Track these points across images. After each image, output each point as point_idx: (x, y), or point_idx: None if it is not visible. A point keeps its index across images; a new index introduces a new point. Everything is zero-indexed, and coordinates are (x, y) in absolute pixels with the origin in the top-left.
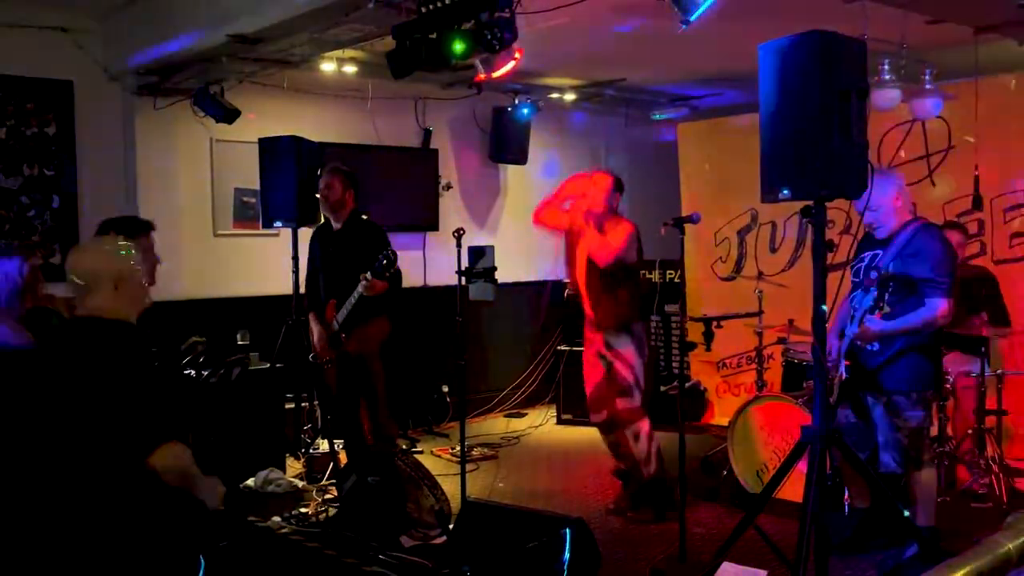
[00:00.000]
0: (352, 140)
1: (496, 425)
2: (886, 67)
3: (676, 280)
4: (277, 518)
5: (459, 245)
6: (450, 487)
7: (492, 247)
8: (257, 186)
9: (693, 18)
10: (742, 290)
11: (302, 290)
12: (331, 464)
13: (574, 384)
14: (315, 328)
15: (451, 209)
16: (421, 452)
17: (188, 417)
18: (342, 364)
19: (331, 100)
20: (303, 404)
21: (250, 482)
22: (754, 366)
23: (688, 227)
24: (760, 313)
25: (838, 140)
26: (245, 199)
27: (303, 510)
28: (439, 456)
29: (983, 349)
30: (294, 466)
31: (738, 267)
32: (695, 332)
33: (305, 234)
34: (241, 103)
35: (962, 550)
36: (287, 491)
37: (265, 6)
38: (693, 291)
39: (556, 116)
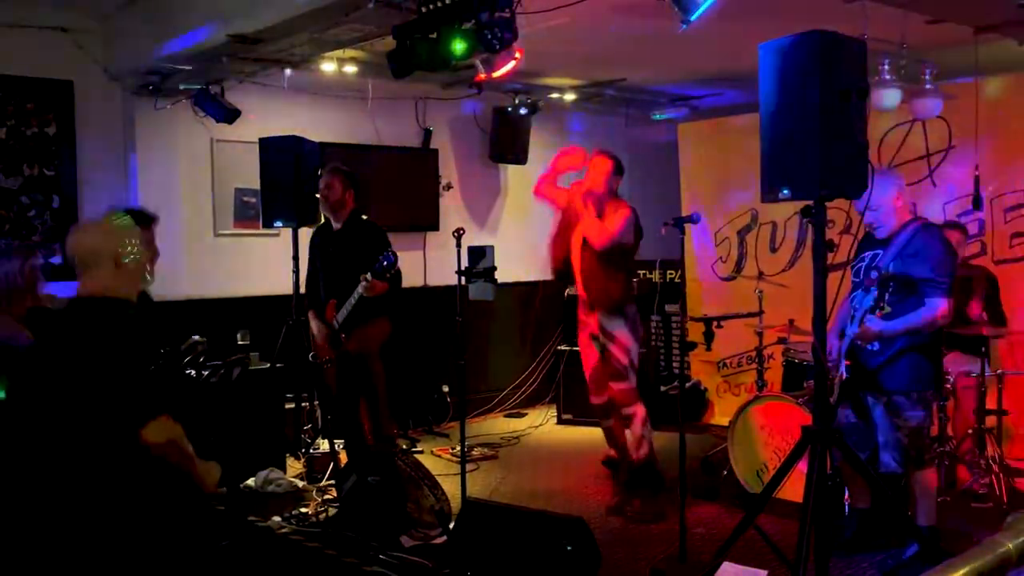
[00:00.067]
0: (352, 140)
1: (496, 425)
2: (886, 67)
3: (676, 280)
4: (277, 518)
5: (459, 245)
6: (450, 487)
7: (492, 247)
8: (257, 186)
9: (693, 18)
10: (742, 290)
11: (302, 290)
12: (331, 464)
13: (574, 384)
14: (315, 325)
15: (451, 209)
16: (421, 452)
17: (188, 417)
18: (342, 364)
19: (331, 100)
20: (303, 404)
21: (250, 482)
22: (754, 366)
23: (689, 227)
24: (760, 313)
25: (838, 140)
26: (245, 199)
27: (303, 510)
28: (439, 456)
29: (983, 349)
30: (294, 466)
31: (738, 267)
32: (695, 332)
33: (305, 234)
34: (241, 103)
35: (962, 550)
36: (287, 491)
37: (265, 6)
38: (693, 291)
39: (556, 116)
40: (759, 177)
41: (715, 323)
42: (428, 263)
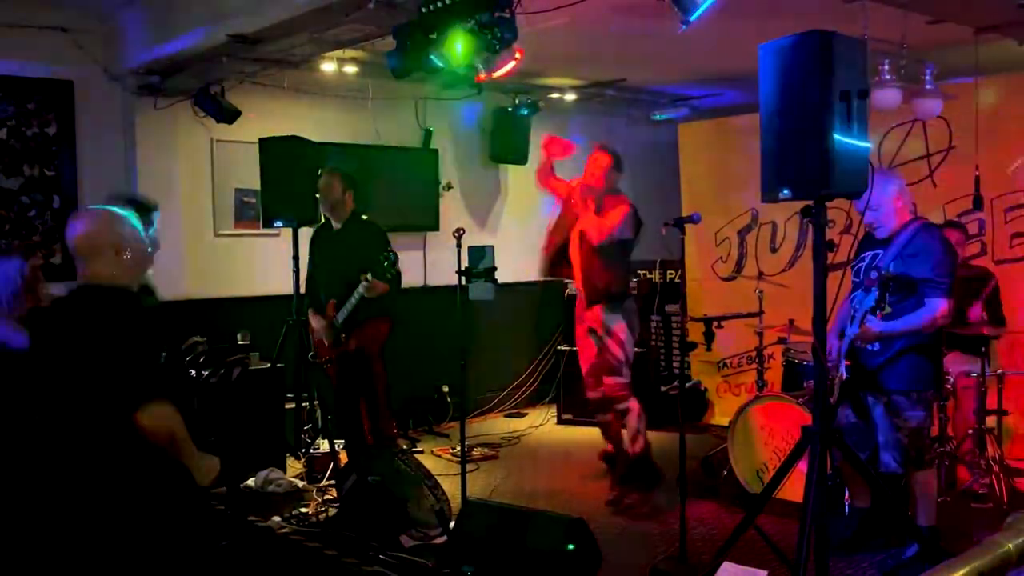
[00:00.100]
0: (352, 140)
1: (496, 425)
2: (886, 67)
3: (676, 280)
4: (277, 518)
5: (459, 245)
6: (450, 487)
7: (492, 247)
8: (257, 186)
9: (693, 18)
10: (743, 290)
11: (302, 290)
12: (331, 464)
13: (575, 384)
14: (315, 322)
15: (451, 209)
16: (421, 452)
17: (188, 417)
18: (342, 364)
19: (331, 100)
20: (303, 404)
21: (250, 482)
22: (754, 366)
23: (689, 227)
24: (760, 313)
25: (838, 140)
26: (245, 199)
27: (303, 510)
28: (439, 456)
29: (983, 349)
30: (294, 466)
31: (739, 267)
32: (696, 332)
33: (305, 234)
34: (241, 103)
35: (962, 550)
36: (287, 491)
37: (265, 6)
38: (693, 291)
39: (556, 116)
40: (759, 177)
41: (715, 323)
42: (428, 263)
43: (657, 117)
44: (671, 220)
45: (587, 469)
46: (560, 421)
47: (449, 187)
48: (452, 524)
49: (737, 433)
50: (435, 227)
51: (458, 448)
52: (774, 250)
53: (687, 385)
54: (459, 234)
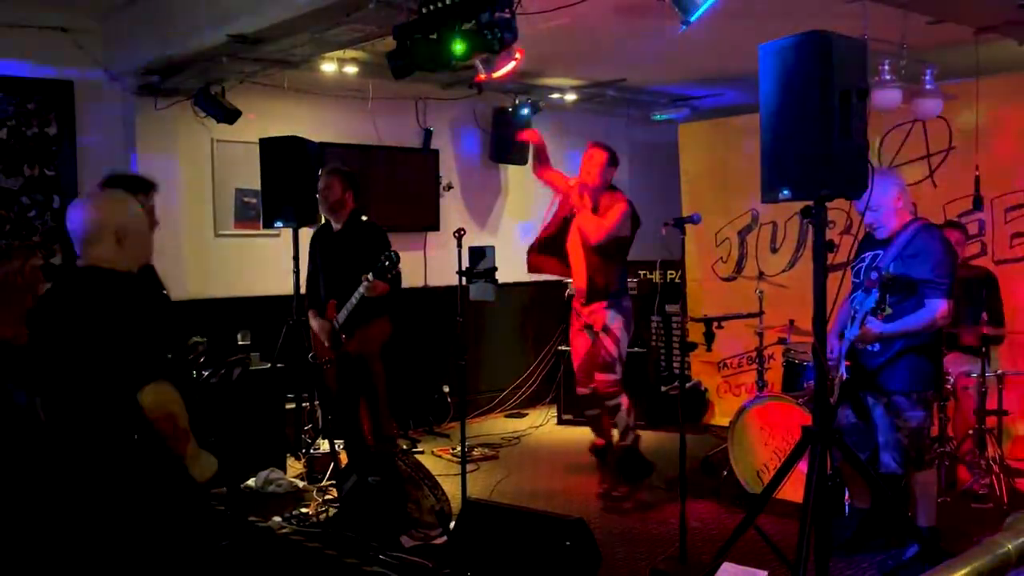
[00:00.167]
0: (353, 140)
1: (497, 425)
2: (886, 67)
3: (677, 280)
4: (278, 518)
5: (460, 245)
6: (451, 487)
7: (493, 247)
8: (258, 186)
9: (693, 19)
10: (743, 290)
11: (303, 290)
12: (332, 464)
13: (575, 384)
14: (316, 324)
15: (452, 209)
16: (422, 452)
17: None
18: (342, 364)
19: (332, 100)
20: (304, 404)
21: (251, 482)
22: (755, 366)
23: (689, 227)
24: (761, 313)
25: (838, 140)
26: (246, 199)
27: (304, 510)
28: (440, 456)
29: (983, 349)
30: (295, 466)
31: (739, 267)
32: (696, 332)
33: (306, 234)
34: (242, 103)
35: (963, 551)
36: (288, 491)
37: (266, 6)
38: (694, 291)
39: (556, 116)
40: (759, 177)
41: (715, 323)
42: (428, 263)
43: (657, 117)
44: (671, 220)
45: (587, 470)
46: (560, 421)
47: (449, 187)
48: (452, 524)
49: (737, 433)
50: (435, 227)
51: (458, 448)
52: (774, 250)
53: (687, 385)
54: (460, 234)
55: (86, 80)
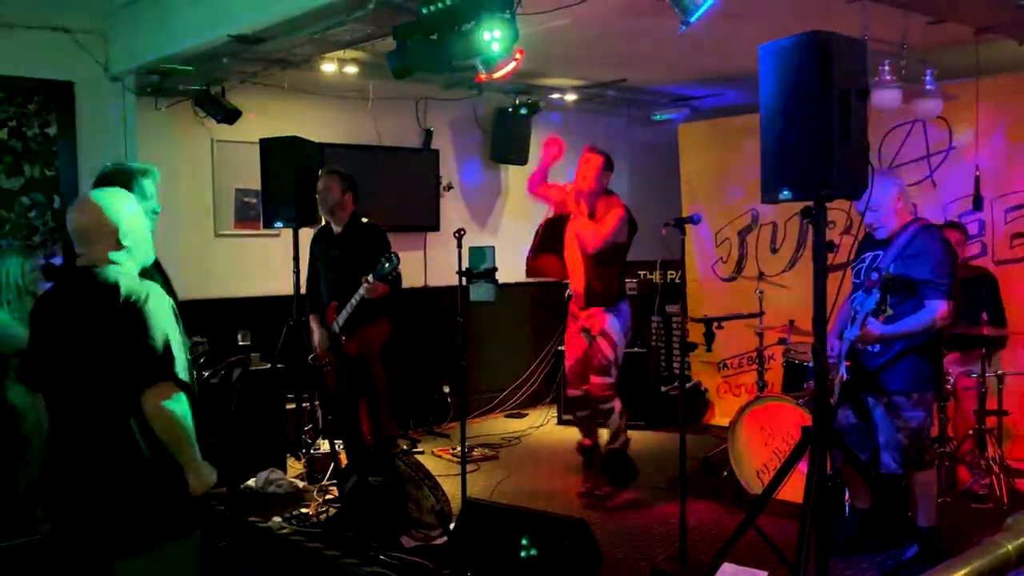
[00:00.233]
0: (353, 140)
1: (497, 425)
2: (887, 67)
3: (677, 281)
4: (278, 518)
5: (460, 246)
6: (451, 487)
7: (493, 247)
8: (258, 186)
9: (693, 19)
10: (743, 291)
11: (303, 291)
12: (332, 464)
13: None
14: (316, 332)
15: (452, 209)
16: (422, 452)
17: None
18: (342, 365)
19: (332, 100)
20: (304, 404)
21: (251, 482)
22: (755, 367)
23: (689, 227)
24: (761, 314)
25: (838, 141)
26: (246, 199)
27: (304, 510)
28: (440, 456)
29: (984, 350)
30: (295, 466)
31: (739, 268)
32: (696, 333)
33: (306, 235)
34: (242, 103)
35: (963, 551)
36: (288, 491)
37: (266, 6)
38: (694, 291)
39: (557, 117)
40: (759, 178)
41: (715, 324)
42: (429, 264)
43: (657, 117)
44: (671, 221)
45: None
46: (560, 422)
47: (449, 187)
48: (452, 525)
49: (737, 434)
50: (435, 227)
51: (458, 448)
52: (774, 251)
53: (687, 386)
54: (460, 235)
55: (86, 80)
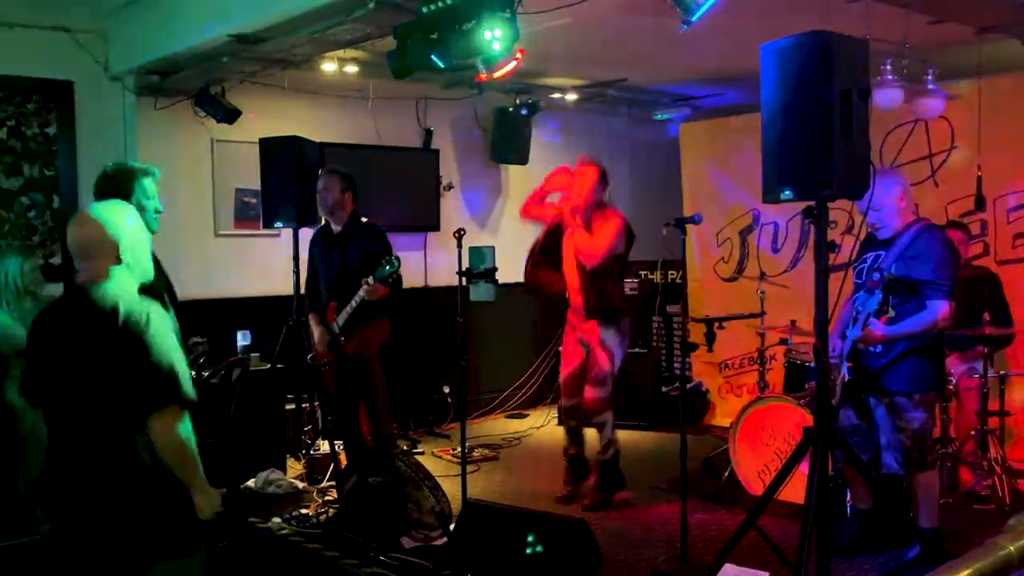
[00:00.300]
0: (353, 140)
1: (497, 426)
2: (888, 67)
3: (678, 281)
4: (277, 519)
5: (460, 246)
6: (451, 488)
7: (493, 248)
8: (258, 186)
9: (694, 19)
10: (744, 291)
11: (303, 291)
12: (331, 465)
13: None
14: (316, 330)
15: (452, 209)
16: (422, 453)
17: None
18: (341, 366)
19: (332, 100)
20: (303, 405)
21: (251, 483)
22: (756, 367)
23: (690, 227)
24: (762, 314)
25: (840, 140)
26: (246, 199)
27: (304, 511)
28: (440, 457)
29: (986, 350)
30: (295, 467)
31: (740, 268)
32: (697, 333)
33: (306, 235)
34: (242, 103)
35: (964, 552)
36: (287, 492)
37: (266, 6)
38: (695, 292)
39: (557, 116)
40: (761, 177)
41: (717, 324)
42: (429, 264)
43: (658, 117)
44: (672, 221)
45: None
46: (561, 422)
47: (449, 187)
48: (452, 525)
49: (738, 434)
50: (436, 227)
51: (458, 449)
52: (776, 251)
53: (688, 386)
54: (460, 235)
55: (86, 80)
